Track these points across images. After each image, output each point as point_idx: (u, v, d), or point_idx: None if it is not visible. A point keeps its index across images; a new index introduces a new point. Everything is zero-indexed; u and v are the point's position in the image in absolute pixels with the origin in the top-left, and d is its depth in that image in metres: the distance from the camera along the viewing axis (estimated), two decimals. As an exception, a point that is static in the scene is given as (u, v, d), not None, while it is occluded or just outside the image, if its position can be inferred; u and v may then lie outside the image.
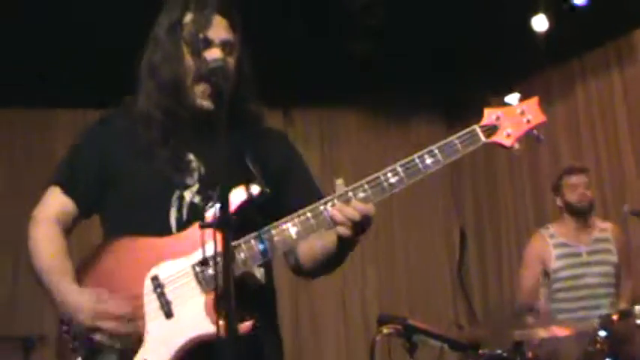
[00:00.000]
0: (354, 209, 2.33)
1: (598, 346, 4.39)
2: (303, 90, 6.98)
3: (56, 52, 5.92)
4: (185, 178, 2.50)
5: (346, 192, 2.38)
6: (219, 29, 2.52)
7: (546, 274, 5.14)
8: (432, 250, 7.96)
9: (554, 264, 5.13)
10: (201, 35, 2.49)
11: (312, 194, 2.55)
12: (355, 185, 2.40)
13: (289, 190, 2.60)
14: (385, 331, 4.59)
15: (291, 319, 7.26)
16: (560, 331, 4.55)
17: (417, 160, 2.46)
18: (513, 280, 5.99)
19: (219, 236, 2.04)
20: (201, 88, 2.48)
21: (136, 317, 2.36)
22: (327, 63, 6.56)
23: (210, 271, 2.34)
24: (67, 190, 2.58)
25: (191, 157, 2.52)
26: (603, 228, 5.25)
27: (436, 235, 7.99)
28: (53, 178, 2.61)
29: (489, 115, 2.60)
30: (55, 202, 2.58)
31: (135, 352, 2.35)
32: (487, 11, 6.18)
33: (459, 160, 8.21)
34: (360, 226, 2.34)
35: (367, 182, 2.41)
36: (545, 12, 6.33)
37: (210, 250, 2.24)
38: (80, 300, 2.37)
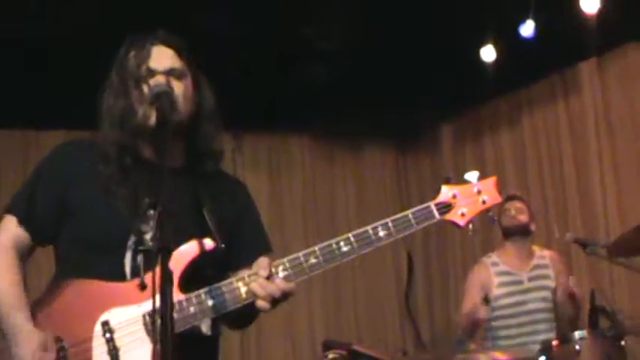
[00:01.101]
0: (276, 286, 2.41)
1: (539, 372, 4.45)
2: (253, 115, 6.98)
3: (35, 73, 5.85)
4: (142, 223, 2.48)
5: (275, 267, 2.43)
6: (162, 59, 2.56)
7: (487, 301, 5.19)
8: (379, 274, 7.98)
9: (496, 292, 5.20)
10: (143, 67, 2.53)
11: (259, 249, 2.62)
12: (291, 257, 2.45)
13: (239, 244, 2.61)
14: (330, 356, 4.61)
15: (238, 342, 7.23)
16: (501, 357, 4.61)
17: (370, 232, 2.52)
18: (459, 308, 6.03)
19: (161, 282, 2.05)
20: (149, 111, 2.48)
21: None
22: (278, 88, 6.58)
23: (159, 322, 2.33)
24: (23, 222, 2.56)
25: (147, 201, 2.50)
26: (541, 255, 5.35)
27: (383, 259, 8.02)
28: (11, 207, 2.60)
29: (446, 192, 2.64)
30: (10, 233, 2.56)
31: None
32: (438, 41, 6.27)
33: (408, 185, 8.31)
34: (278, 300, 2.43)
35: (304, 255, 2.46)
36: (494, 43, 6.44)
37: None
38: (28, 343, 2.37)
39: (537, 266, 5.28)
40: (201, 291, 2.40)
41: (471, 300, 5.19)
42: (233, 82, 6.28)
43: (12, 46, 5.58)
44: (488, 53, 6.46)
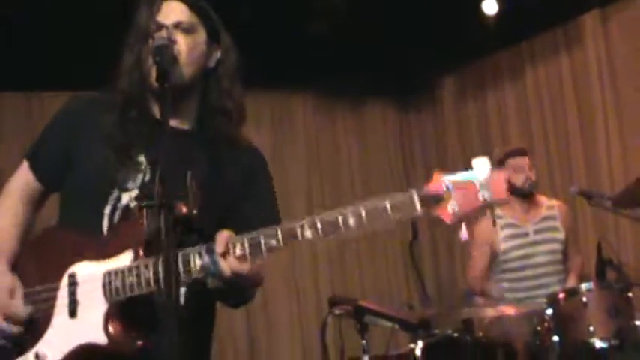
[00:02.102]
0: (228, 265, 2.24)
1: (545, 324, 4.46)
2: (254, 72, 6.93)
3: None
4: (128, 179, 2.47)
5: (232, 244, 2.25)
6: (170, 12, 2.51)
7: (493, 255, 5.20)
8: (384, 231, 8.00)
9: (502, 245, 5.19)
10: (151, 21, 2.48)
11: (265, 221, 2.34)
12: (251, 235, 2.25)
13: (241, 213, 2.53)
14: (336, 312, 4.62)
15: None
16: (509, 310, 4.62)
17: (340, 220, 2.23)
18: (465, 261, 6.05)
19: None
20: (151, 67, 2.42)
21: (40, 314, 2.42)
22: (279, 45, 6.54)
23: (117, 282, 2.31)
24: (32, 166, 2.62)
25: (142, 159, 2.49)
26: (550, 206, 5.32)
27: (388, 215, 8.03)
28: (27, 152, 2.67)
29: (438, 181, 2.21)
30: (22, 177, 2.64)
31: (32, 343, 2.42)
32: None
33: (411, 139, 8.28)
34: (231, 282, 2.26)
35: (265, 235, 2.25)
36: (496, -5, 6.40)
37: (126, 259, 2.33)
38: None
39: (544, 218, 5.25)
40: (155, 258, 2.28)
41: (480, 255, 5.19)
42: (234, 40, 6.25)
43: (13, 9, 5.53)
44: (489, 6, 6.42)
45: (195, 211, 2.26)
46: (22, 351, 2.43)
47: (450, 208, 2.18)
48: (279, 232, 2.24)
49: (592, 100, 6.56)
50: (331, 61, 6.84)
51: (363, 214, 2.21)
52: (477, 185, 2.17)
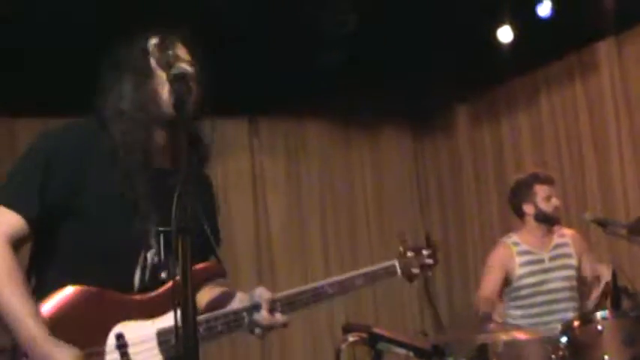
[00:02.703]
0: (277, 321, 2.72)
1: (560, 352, 4.44)
2: (270, 99, 6.98)
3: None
4: (149, 237, 2.51)
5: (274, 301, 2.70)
6: (182, 50, 2.57)
7: (507, 281, 5.18)
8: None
9: (519, 271, 5.18)
10: (170, 52, 2.50)
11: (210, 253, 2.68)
12: (285, 295, 2.77)
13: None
14: (350, 339, 4.61)
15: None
16: (522, 336, 4.60)
17: (351, 280, 3.01)
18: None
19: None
20: (166, 96, 2.45)
21: None
22: (295, 72, 6.58)
23: (173, 341, 2.26)
24: (30, 221, 2.42)
25: (154, 215, 2.50)
26: (561, 234, 5.32)
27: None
28: (16, 200, 2.42)
29: (404, 250, 3.37)
30: (14, 229, 2.41)
31: None
32: (454, 22, 6.25)
33: (425, 167, 8.27)
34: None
35: (298, 293, 2.81)
36: (511, 23, 6.41)
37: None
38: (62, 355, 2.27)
39: (558, 245, 5.25)
40: (212, 315, 2.56)
41: (492, 279, 5.18)
42: (249, 67, 6.29)
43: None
44: (505, 34, 6.44)
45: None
46: None
47: (413, 271, 3.37)
48: (308, 291, 2.85)
49: (607, 128, 6.55)
50: (346, 88, 6.87)
51: (365, 277, 3.10)
52: (426, 254, 3.45)
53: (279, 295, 2.73)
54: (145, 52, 2.54)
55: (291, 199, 7.56)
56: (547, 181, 5.27)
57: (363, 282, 3.02)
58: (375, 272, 3.09)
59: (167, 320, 2.38)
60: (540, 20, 6.18)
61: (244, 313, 2.62)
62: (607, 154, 6.55)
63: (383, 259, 8.20)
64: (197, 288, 2.54)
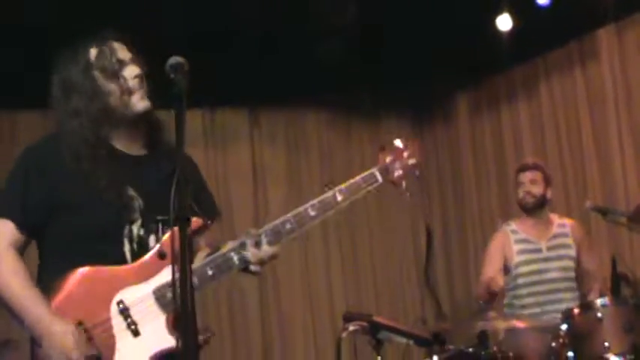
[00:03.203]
0: (265, 253, 2.76)
1: (560, 340, 4.45)
2: (270, 89, 6.98)
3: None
4: (131, 212, 2.72)
5: (258, 235, 2.75)
6: (122, 51, 2.77)
7: (506, 269, 5.20)
8: (398, 247, 8.00)
9: (516, 259, 5.20)
10: (113, 59, 2.72)
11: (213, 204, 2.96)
12: (270, 226, 2.79)
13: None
14: (351, 328, 4.62)
15: (258, 317, 7.28)
16: (523, 325, 4.62)
17: (330, 197, 2.93)
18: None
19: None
20: (134, 99, 2.71)
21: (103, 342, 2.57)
22: (294, 62, 6.57)
23: (169, 294, 2.57)
24: (21, 224, 2.70)
25: (132, 192, 2.74)
26: (561, 224, 5.33)
27: (402, 231, 8.02)
28: (5, 209, 2.72)
29: (383, 158, 3.10)
30: (8, 234, 2.70)
31: None
32: (453, 11, 6.23)
33: (425, 157, 8.26)
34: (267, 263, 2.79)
35: (281, 222, 2.81)
36: (510, 11, 6.40)
37: (168, 274, 2.41)
38: (62, 334, 2.52)
39: (556, 235, 5.27)
40: (201, 263, 2.70)
41: (492, 267, 5.20)
42: (249, 58, 6.29)
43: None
44: (504, 22, 6.42)
45: (210, 221, 2.74)
46: None
47: (396, 175, 3.12)
48: (290, 217, 2.83)
49: (607, 116, 6.54)
50: (346, 78, 6.87)
51: (345, 190, 2.97)
52: (406, 154, 3.15)
53: (263, 228, 2.78)
54: (87, 69, 2.73)
55: (291, 190, 7.55)
56: (521, 168, 5.32)
57: (344, 197, 2.94)
58: (354, 184, 2.98)
59: (161, 278, 2.63)
60: (540, 8, 6.16)
61: (232, 253, 2.72)
62: (607, 142, 6.55)
63: (384, 246, 8.26)
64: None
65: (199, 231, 2.70)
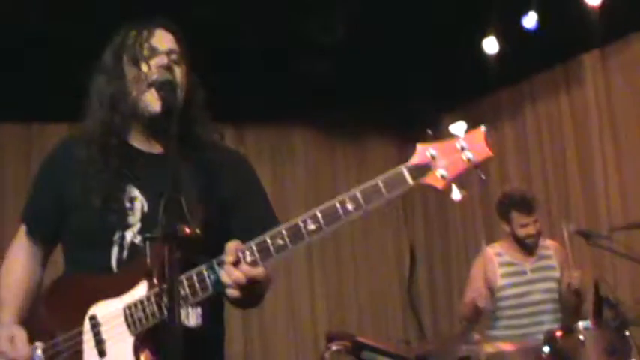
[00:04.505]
0: (242, 273, 2.24)
1: (543, 362, 4.46)
2: (256, 106, 6.99)
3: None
4: (127, 216, 2.49)
5: (243, 250, 2.27)
6: (163, 40, 2.54)
7: (490, 292, 5.19)
8: (382, 266, 8.01)
9: (500, 282, 5.20)
10: (145, 45, 2.50)
11: (262, 224, 2.40)
12: (257, 241, 2.28)
13: (238, 221, 2.56)
14: (334, 347, 4.62)
15: (241, 334, 7.25)
16: (506, 347, 4.62)
17: (338, 206, 2.25)
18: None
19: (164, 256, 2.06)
20: (150, 96, 2.45)
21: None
22: (281, 80, 6.59)
23: (139, 314, 2.34)
24: (30, 230, 2.68)
25: (136, 192, 2.51)
26: (545, 246, 5.33)
27: (386, 250, 8.04)
28: (22, 214, 2.72)
29: (422, 152, 2.29)
30: (22, 240, 2.70)
31: None
32: (440, 32, 6.26)
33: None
34: (249, 289, 2.27)
35: (270, 237, 2.27)
36: (496, 35, 6.44)
37: (142, 290, 2.35)
38: (3, 339, 2.48)
39: (541, 257, 5.27)
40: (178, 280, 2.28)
41: (474, 290, 5.19)
42: (236, 74, 6.30)
43: (13, 37, 5.57)
44: (490, 45, 6.46)
45: (198, 230, 2.16)
46: None
47: (439, 174, 2.28)
48: (283, 231, 2.26)
49: (591, 140, 6.59)
50: (332, 95, 6.89)
51: (359, 196, 2.25)
52: (459, 147, 2.29)
53: (247, 242, 2.27)
54: (118, 50, 2.56)
55: (276, 206, 7.48)
56: (524, 210, 5.19)
57: (355, 206, 2.23)
58: (371, 189, 2.26)
59: (135, 294, 2.37)
60: (526, 32, 6.21)
61: (206, 272, 2.29)
62: (590, 166, 6.59)
63: (368, 265, 8.25)
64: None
65: (189, 241, 2.22)
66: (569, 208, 6.69)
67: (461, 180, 2.29)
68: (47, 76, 5.84)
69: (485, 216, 7.39)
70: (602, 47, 6.53)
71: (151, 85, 2.42)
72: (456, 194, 2.31)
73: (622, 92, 6.42)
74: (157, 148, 2.57)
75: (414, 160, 2.28)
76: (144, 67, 2.48)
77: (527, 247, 5.23)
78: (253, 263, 2.25)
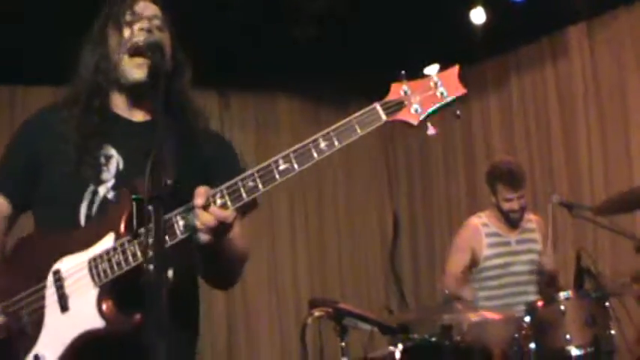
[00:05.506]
0: (212, 215, 2.18)
1: (523, 332, 4.50)
2: (240, 73, 6.96)
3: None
4: (100, 172, 2.46)
5: (214, 195, 2.20)
6: (145, 6, 2.54)
7: (474, 262, 5.22)
8: (365, 234, 8.03)
9: (485, 252, 5.22)
10: (128, 11, 2.50)
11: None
12: (228, 184, 2.22)
13: (218, 179, 2.48)
14: (316, 314, 4.64)
15: (223, 302, 7.27)
16: (488, 316, 4.66)
17: (311, 145, 2.25)
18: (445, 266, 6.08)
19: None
20: (133, 61, 2.44)
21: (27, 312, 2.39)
22: (266, 47, 6.55)
23: (104, 265, 2.28)
24: (8, 195, 2.59)
25: (112, 150, 2.49)
26: (529, 219, 5.36)
27: (369, 219, 8.06)
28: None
29: (396, 89, 2.32)
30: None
31: (28, 351, 2.36)
32: (427, 2, 6.24)
33: (394, 146, 8.31)
34: (218, 231, 2.21)
35: (241, 180, 2.22)
36: (484, 5, 6.43)
37: (109, 242, 2.30)
38: None
39: (525, 229, 5.30)
40: (142, 230, 2.20)
41: (461, 260, 5.22)
42: (221, 42, 6.26)
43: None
44: (478, 15, 6.45)
45: (169, 181, 2.09)
46: None
47: (413, 109, 2.31)
48: (255, 173, 2.21)
49: (576, 111, 6.61)
50: (317, 65, 6.86)
51: (332, 134, 2.26)
52: (432, 84, 2.31)
53: (218, 187, 2.21)
54: (104, 18, 2.56)
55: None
56: (510, 185, 5.20)
57: (328, 143, 2.25)
58: (344, 125, 2.29)
59: (100, 247, 2.31)
60: (513, 3, 6.20)
61: (176, 217, 2.22)
62: (575, 138, 6.62)
63: (351, 233, 8.27)
64: None
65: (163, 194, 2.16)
66: (553, 179, 6.73)
67: (435, 116, 2.32)
68: (31, 39, 5.78)
69: (468, 186, 7.42)
70: (589, 20, 6.54)
71: (136, 49, 2.41)
72: (430, 130, 2.33)
73: (608, 65, 6.45)
74: (137, 117, 2.55)
75: (389, 96, 2.32)
76: (126, 32, 2.48)
77: (510, 221, 5.26)
78: (223, 206, 2.19)
